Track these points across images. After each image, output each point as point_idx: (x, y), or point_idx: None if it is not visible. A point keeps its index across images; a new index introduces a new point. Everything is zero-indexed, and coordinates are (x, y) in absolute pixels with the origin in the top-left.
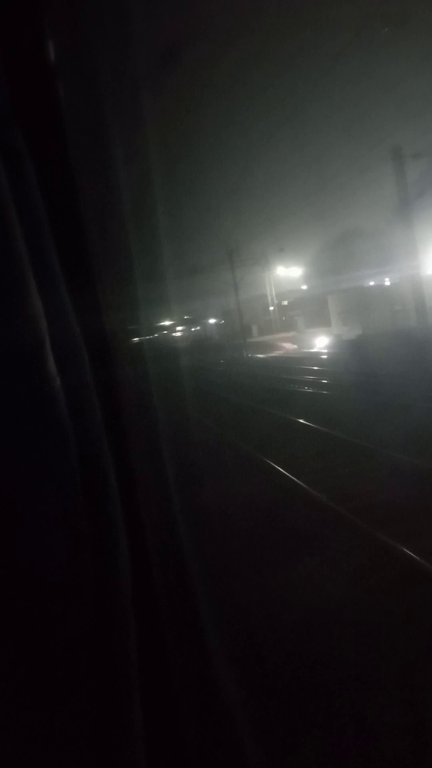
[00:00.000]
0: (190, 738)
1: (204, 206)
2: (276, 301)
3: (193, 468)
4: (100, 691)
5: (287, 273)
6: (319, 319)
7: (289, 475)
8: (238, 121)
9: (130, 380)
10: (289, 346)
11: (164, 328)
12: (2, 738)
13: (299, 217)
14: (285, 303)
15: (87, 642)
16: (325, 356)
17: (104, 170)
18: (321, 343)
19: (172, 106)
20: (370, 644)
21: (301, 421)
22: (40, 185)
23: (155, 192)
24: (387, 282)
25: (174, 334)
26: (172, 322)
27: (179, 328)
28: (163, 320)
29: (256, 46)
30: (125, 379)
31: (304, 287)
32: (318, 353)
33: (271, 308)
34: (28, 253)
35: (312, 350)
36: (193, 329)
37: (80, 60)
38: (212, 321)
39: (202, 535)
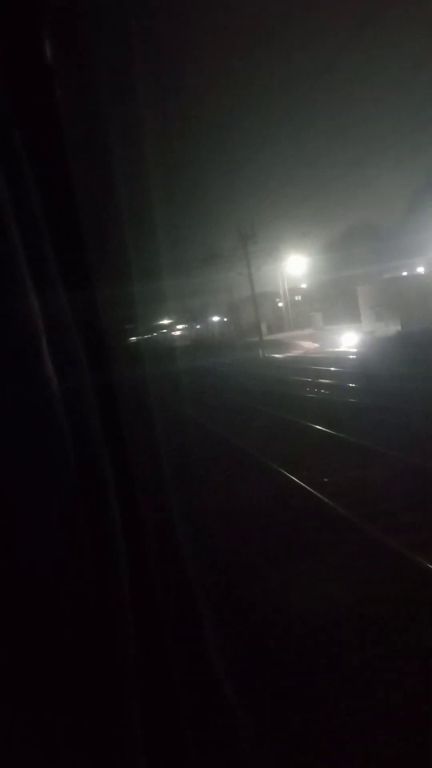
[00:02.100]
0: (190, 737)
1: (210, 196)
2: (288, 296)
3: (192, 469)
4: (100, 691)
5: (287, 271)
6: (342, 314)
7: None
8: (237, 112)
9: (128, 380)
10: (308, 345)
11: (163, 326)
12: (2, 737)
13: (307, 208)
14: (298, 298)
15: (86, 641)
16: (358, 357)
17: (102, 169)
18: (349, 341)
19: (182, 91)
20: (370, 643)
21: (380, 450)
22: (37, 185)
23: (153, 188)
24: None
25: (174, 332)
26: (171, 321)
27: (180, 326)
28: (163, 318)
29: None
30: (123, 379)
31: (304, 285)
32: (346, 353)
33: (281, 304)
34: (25, 252)
35: (338, 350)
36: (195, 327)
37: (79, 61)
38: (215, 319)
39: (200, 535)
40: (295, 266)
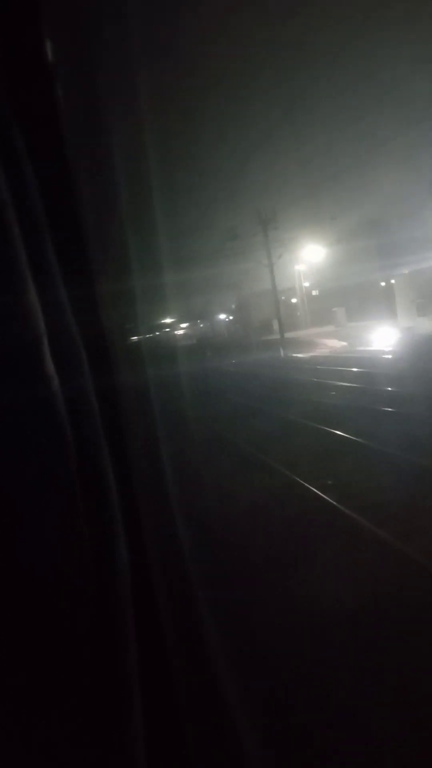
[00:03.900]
0: (190, 738)
1: (217, 185)
2: (305, 291)
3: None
4: (100, 691)
5: (290, 270)
6: (370, 309)
7: None
8: (233, 104)
9: (129, 379)
10: (334, 344)
11: (166, 325)
12: (2, 738)
13: (308, 205)
14: (315, 293)
15: (87, 642)
16: (405, 358)
17: (102, 168)
18: (383, 339)
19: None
20: (370, 643)
21: None
22: (38, 184)
23: (156, 183)
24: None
25: (177, 331)
26: (174, 319)
27: (183, 325)
28: (165, 317)
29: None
30: (124, 378)
31: (307, 284)
32: (385, 353)
33: (293, 300)
34: (26, 251)
35: (372, 348)
36: (199, 326)
37: (78, 59)
38: (222, 316)
39: (200, 537)
40: (298, 265)
